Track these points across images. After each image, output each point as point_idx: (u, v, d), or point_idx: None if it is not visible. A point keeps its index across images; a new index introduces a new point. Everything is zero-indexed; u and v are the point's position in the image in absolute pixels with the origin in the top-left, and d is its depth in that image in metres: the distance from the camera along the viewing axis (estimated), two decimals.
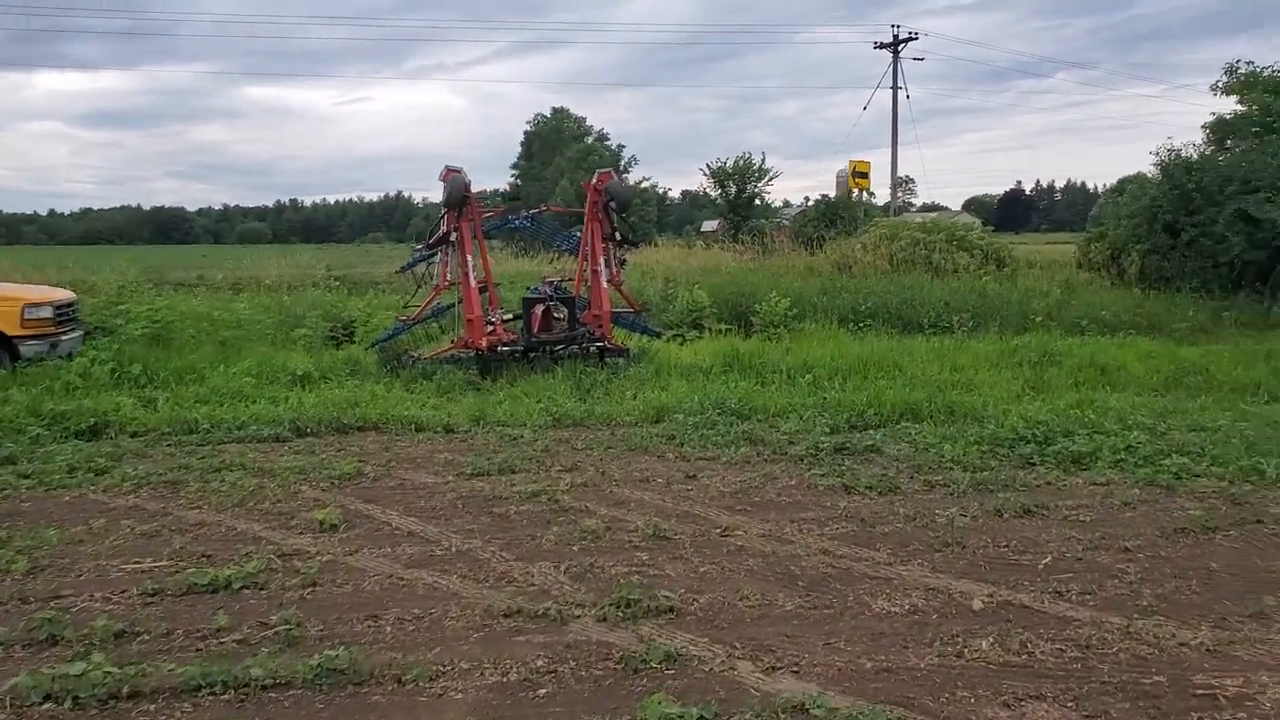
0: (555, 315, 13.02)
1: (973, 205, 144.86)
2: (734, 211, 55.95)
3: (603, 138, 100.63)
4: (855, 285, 20.44)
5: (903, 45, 46.55)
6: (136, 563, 6.07)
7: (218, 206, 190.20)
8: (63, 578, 5.83)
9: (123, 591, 5.56)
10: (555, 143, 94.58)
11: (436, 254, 12.95)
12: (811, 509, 7.21)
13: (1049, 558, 6.14)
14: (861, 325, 17.41)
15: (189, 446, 9.40)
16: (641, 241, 16.74)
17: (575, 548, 6.34)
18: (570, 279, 13.95)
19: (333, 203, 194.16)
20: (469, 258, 12.57)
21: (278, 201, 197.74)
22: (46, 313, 12.54)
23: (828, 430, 9.70)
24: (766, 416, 10.40)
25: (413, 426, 10.20)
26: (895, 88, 46.67)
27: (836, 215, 35.77)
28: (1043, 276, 23.57)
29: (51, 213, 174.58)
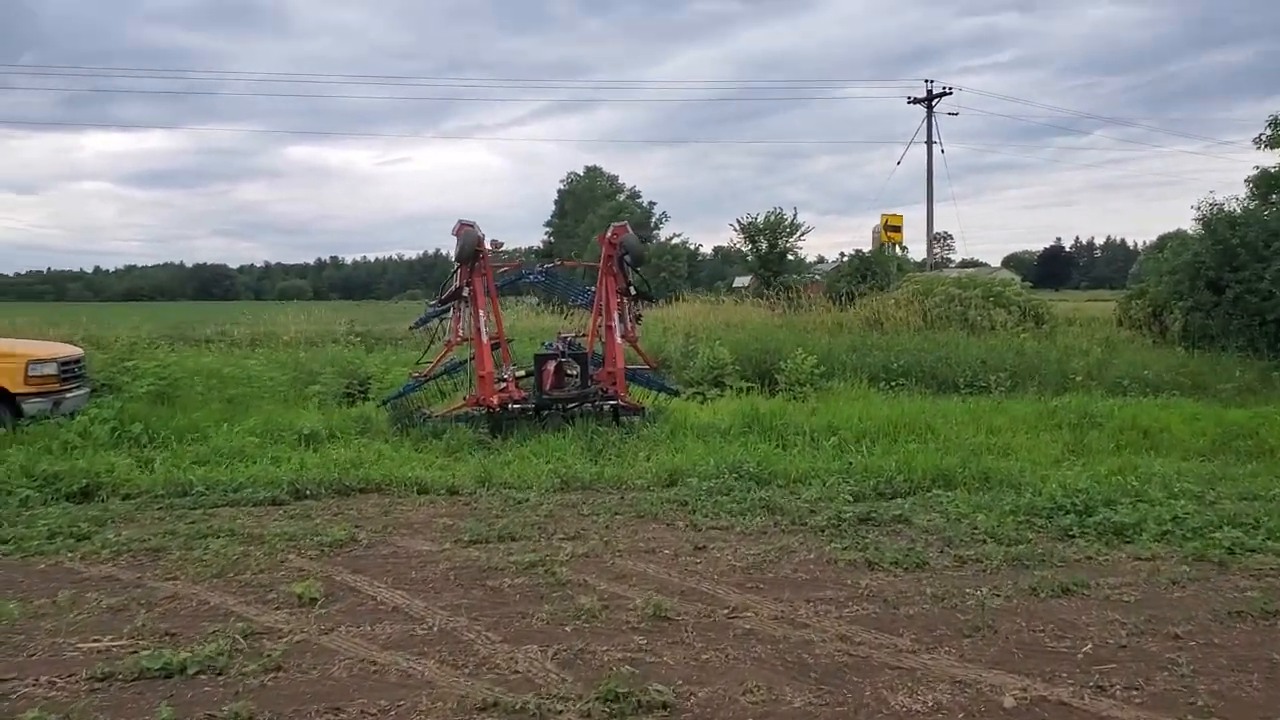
0: (568, 372, 12.59)
1: (1012, 262, 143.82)
2: (765, 267, 55.64)
3: (634, 195, 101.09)
4: (887, 342, 19.86)
5: (936, 100, 46.29)
6: (95, 641, 5.61)
7: (259, 264, 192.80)
8: (13, 657, 5.39)
9: (70, 675, 5.09)
10: (588, 200, 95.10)
11: (449, 309, 12.58)
12: (829, 587, 6.65)
13: (1089, 645, 5.55)
14: (893, 384, 16.82)
15: (180, 510, 8.99)
16: (658, 297, 16.29)
17: (568, 628, 5.82)
18: (585, 335, 13.52)
19: (373, 260, 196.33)
20: (481, 313, 12.19)
21: (318, 259, 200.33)
22: (51, 369, 12.26)
23: (852, 498, 9.12)
24: (787, 482, 9.85)
25: (416, 488, 9.75)
26: (930, 142, 46.36)
27: (870, 270, 35.29)
28: (1082, 334, 22.89)
29: (97, 270, 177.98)
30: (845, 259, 46.77)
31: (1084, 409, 13.45)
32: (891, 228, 33.24)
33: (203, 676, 5.05)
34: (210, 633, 5.67)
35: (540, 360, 12.54)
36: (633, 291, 12.93)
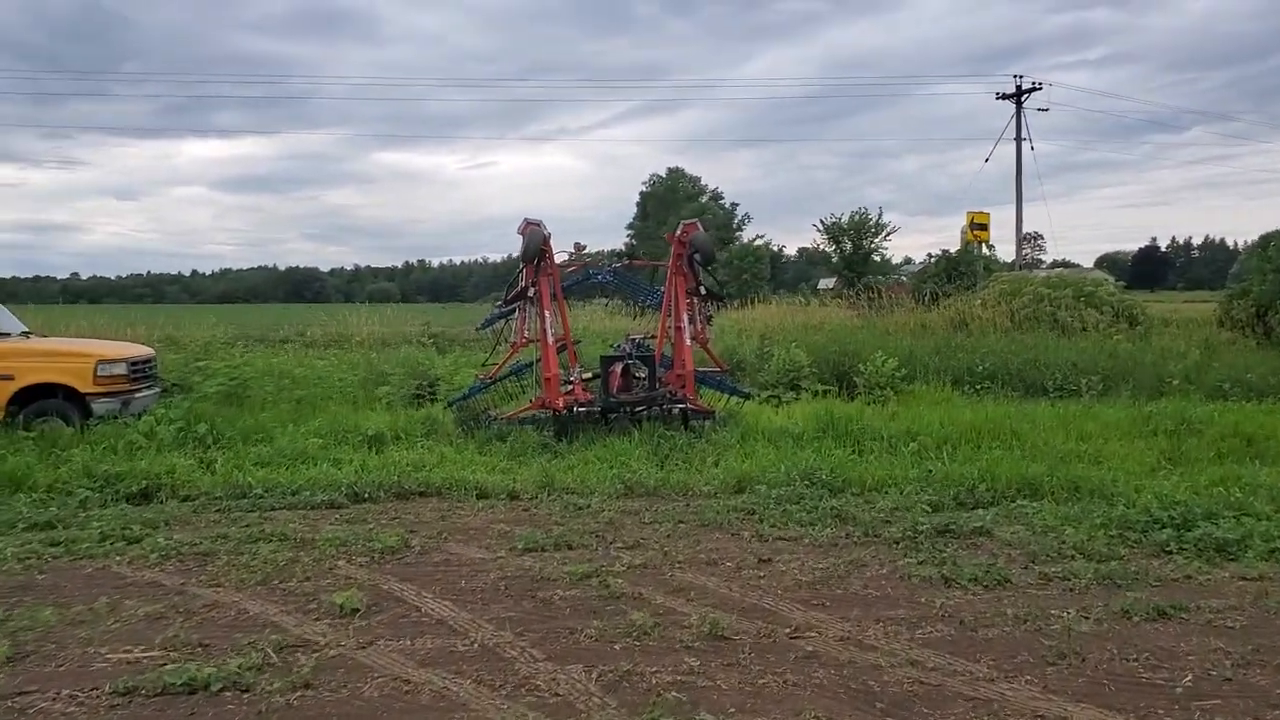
0: (635, 375, 12.23)
1: (1105, 262, 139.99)
2: (849, 268, 54.80)
3: (717, 196, 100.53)
4: (972, 344, 19.14)
5: (1026, 96, 44.93)
6: (126, 651, 5.41)
7: (349, 267, 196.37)
8: (41, 667, 5.21)
9: (94, 689, 4.88)
10: (670, 202, 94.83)
11: (515, 311, 12.32)
12: (902, 605, 6.18)
13: (1189, 676, 5.02)
14: (978, 388, 16.15)
15: (236, 513, 8.84)
16: (740, 299, 15.82)
17: (617, 646, 5.46)
18: (655, 336, 13.15)
19: (459, 263, 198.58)
20: (547, 314, 11.90)
21: (406, 262, 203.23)
22: (120, 369, 12.29)
23: (930, 508, 8.61)
24: (861, 490, 9.38)
25: (475, 492, 9.50)
26: (1019, 139, 44.96)
27: (956, 271, 34.36)
28: (1180, 336, 21.83)
29: (194, 273, 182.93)
30: (932, 259, 45.81)
31: (1181, 414, 12.66)
32: (978, 226, 32.18)
33: (227, 693, 4.80)
34: (243, 645, 5.43)
35: (607, 362, 12.21)
36: (703, 291, 12.52)
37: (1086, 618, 5.88)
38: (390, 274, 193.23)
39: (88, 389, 11.93)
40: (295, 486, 9.55)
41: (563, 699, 4.74)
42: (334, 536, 7.77)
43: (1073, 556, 7.18)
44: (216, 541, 7.71)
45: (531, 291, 11.98)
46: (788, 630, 5.72)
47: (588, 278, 13.91)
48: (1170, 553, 7.25)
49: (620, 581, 6.65)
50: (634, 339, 13.33)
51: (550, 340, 11.91)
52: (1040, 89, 45.07)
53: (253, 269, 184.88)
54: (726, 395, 13.37)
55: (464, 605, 6.24)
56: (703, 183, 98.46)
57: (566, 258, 13.08)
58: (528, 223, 11.86)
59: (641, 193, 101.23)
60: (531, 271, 11.99)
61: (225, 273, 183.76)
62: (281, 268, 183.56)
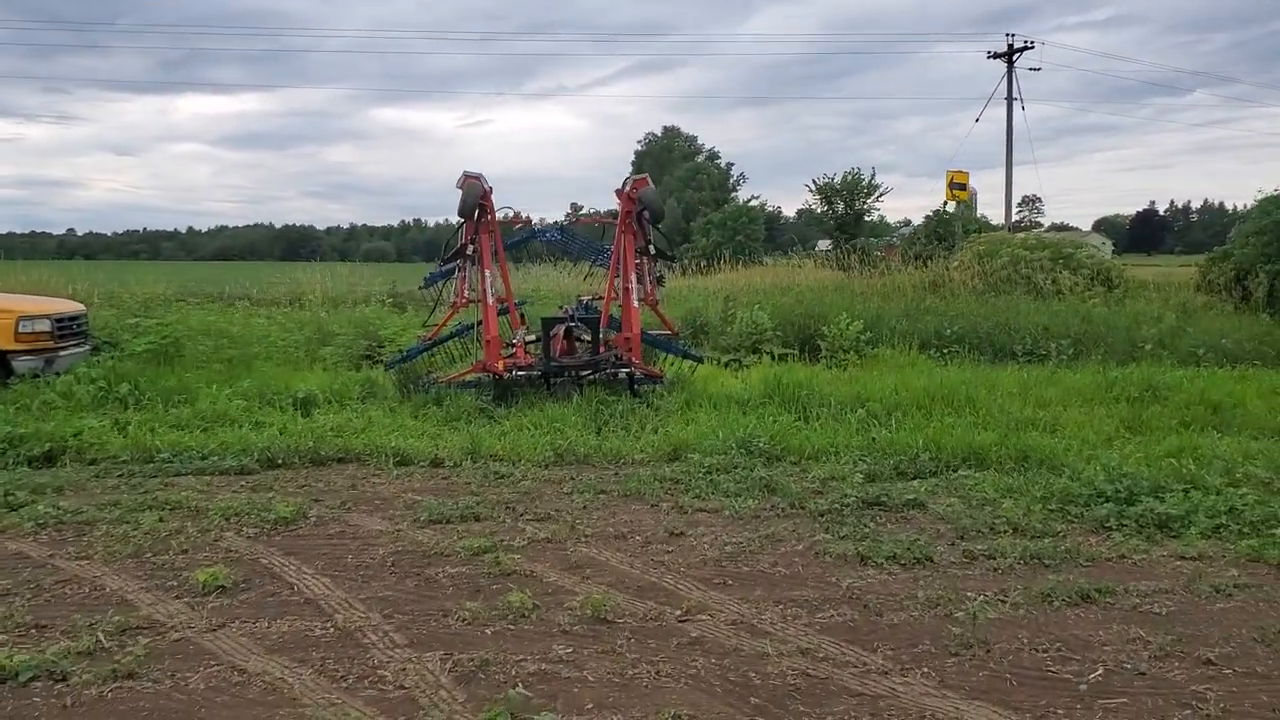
0: (579, 337, 11.76)
1: (1103, 226, 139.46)
2: (840, 229, 54.16)
3: (713, 156, 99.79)
4: (942, 307, 18.68)
5: (1017, 55, 44.16)
6: None
7: (345, 225, 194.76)
8: None
9: None
10: (665, 162, 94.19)
11: (455, 269, 11.82)
12: (809, 585, 5.77)
13: (1100, 670, 4.60)
14: (945, 352, 15.70)
15: (138, 478, 8.41)
16: (676, 258, 15.27)
17: (488, 630, 5.04)
18: (603, 297, 12.66)
19: (455, 222, 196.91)
20: (487, 273, 11.40)
21: (402, 221, 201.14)
22: (44, 325, 11.80)
23: (865, 479, 8.19)
24: (799, 459, 8.96)
25: (396, 459, 9.06)
26: (1010, 100, 44.27)
27: (943, 232, 33.78)
28: (1156, 299, 21.37)
29: (190, 230, 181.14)
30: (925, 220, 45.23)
31: (1148, 380, 12.22)
32: (957, 185, 31.52)
33: (37, 684, 4.36)
34: (81, 627, 5.00)
35: (549, 325, 11.72)
36: (652, 251, 11.99)
37: (1003, 601, 5.46)
38: (386, 233, 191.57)
39: (8, 345, 11.46)
40: (206, 451, 9.11)
41: (407, 692, 4.32)
42: (228, 506, 7.34)
43: (1004, 532, 6.77)
44: (104, 509, 7.28)
45: (470, 249, 11.47)
46: (678, 613, 5.30)
47: (532, 235, 13.37)
48: (1109, 529, 6.84)
49: (516, 557, 6.23)
50: (584, 300, 12.85)
51: (490, 301, 11.42)
52: (1032, 48, 44.34)
53: (249, 226, 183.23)
54: (681, 359, 12.89)
55: (342, 583, 5.82)
56: (699, 142, 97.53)
57: (510, 214, 12.52)
58: (466, 176, 11.34)
59: (637, 152, 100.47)
60: (471, 228, 11.48)
61: (222, 230, 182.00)
62: (278, 225, 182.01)
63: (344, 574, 5.99)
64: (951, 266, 23.40)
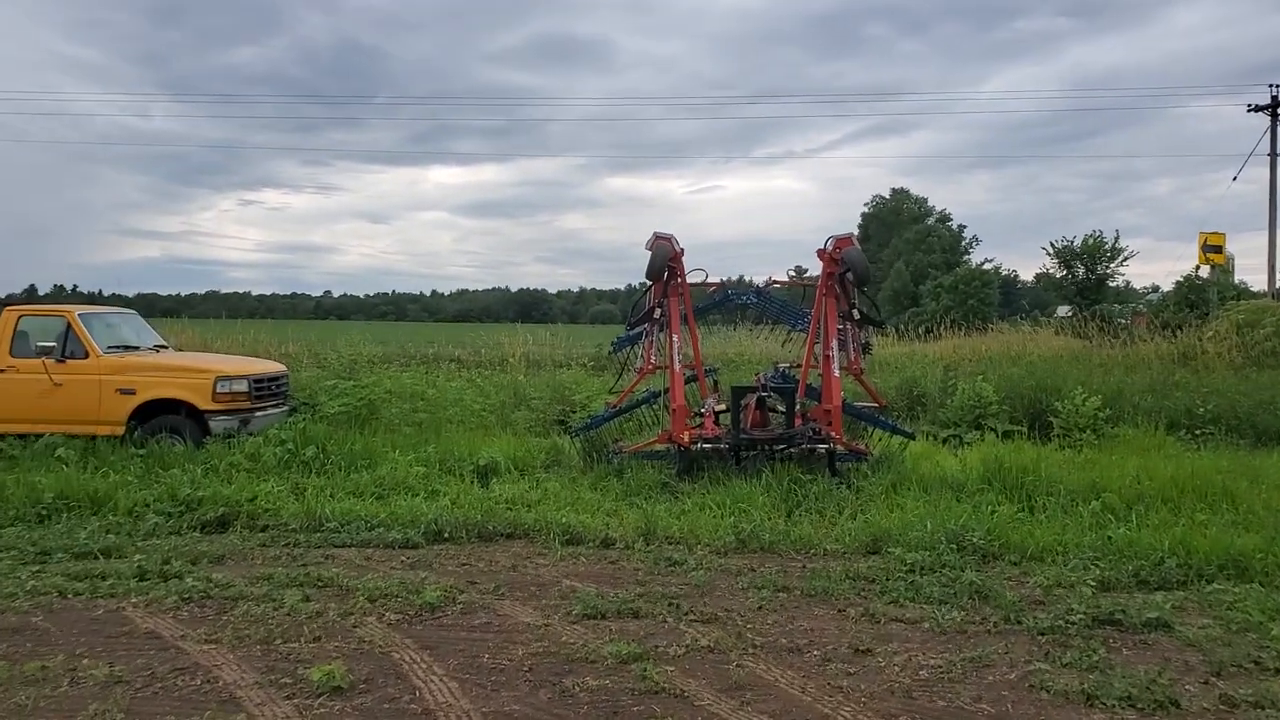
0: (774, 408, 10.84)
1: None
2: (1081, 295, 50.87)
3: (945, 218, 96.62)
4: (1195, 382, 16.62)
5: None
6: None
7: (575, 289, 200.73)
8: None
9: None
10: (893, 224, 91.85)
11: (642, 333, 11.19)
12: None
13: None
14: (1197, 433, 13.83)
15: (300, 549, 8.12)
16: (884, 324, 14.10)
17: None
18: (800, 365, 11.69)
19: (644, 285, 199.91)
20: (675, 337, 10.70)
21: (627, 285, 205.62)
22: (241, 386, 11.92)
23: (1095, 588, 6.90)
24: (1019, 559, 7.73)
25: (565, 537, 8.42)
26: (1274, 155, 40.36)
27: (1202, 298, 30.82)
28: None
29: (434, 293, 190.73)
30: (1175, 286, 41.74)
31: None
32: (1211, 248, 28.66)
33: None
34: None
35: (739, 393, 10.86)
36: (856, 315, 10.98)
37: None
38: (613, 296, 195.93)
39: (206, 406, 11.61)
40: (375, 521, 8.76)
41: None
42: (376, 586, 6.84)
43: (1277, 670, 5.40)
44: (253, 584, 6.93)
45: (658, 313, 10.82)
46: None
47: (726, 298, 12.59)
48: None
49: (669, 670, 5.38)
50: (780, 368, 11.95)
51: (678, 367, 10.70)
52: None
53: (487, 290, 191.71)
54: (887, 434, 11.74)
55: (469, 690, 5.13)
56: (930, 204, 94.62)
57: (703, 277, 11.82)
58: (656, 236, 10.72)
59: (864, 214, 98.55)
60: (659, 290, 10.84)
61: (463, 293, 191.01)
62: (514, 289, 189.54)
63: (474, 678, 5.31)
64: (1205, 337, 21.05)
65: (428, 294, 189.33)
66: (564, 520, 8.73)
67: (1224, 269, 31.78)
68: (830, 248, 10.92)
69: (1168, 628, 6.11)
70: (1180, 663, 5.56)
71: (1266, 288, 41.65)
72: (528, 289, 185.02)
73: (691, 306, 11.44)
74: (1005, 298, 73.01)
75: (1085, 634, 6.00)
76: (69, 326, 12.07)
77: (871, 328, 11.58)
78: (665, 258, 10.61)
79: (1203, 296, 28.26)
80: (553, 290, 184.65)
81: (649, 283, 10.93)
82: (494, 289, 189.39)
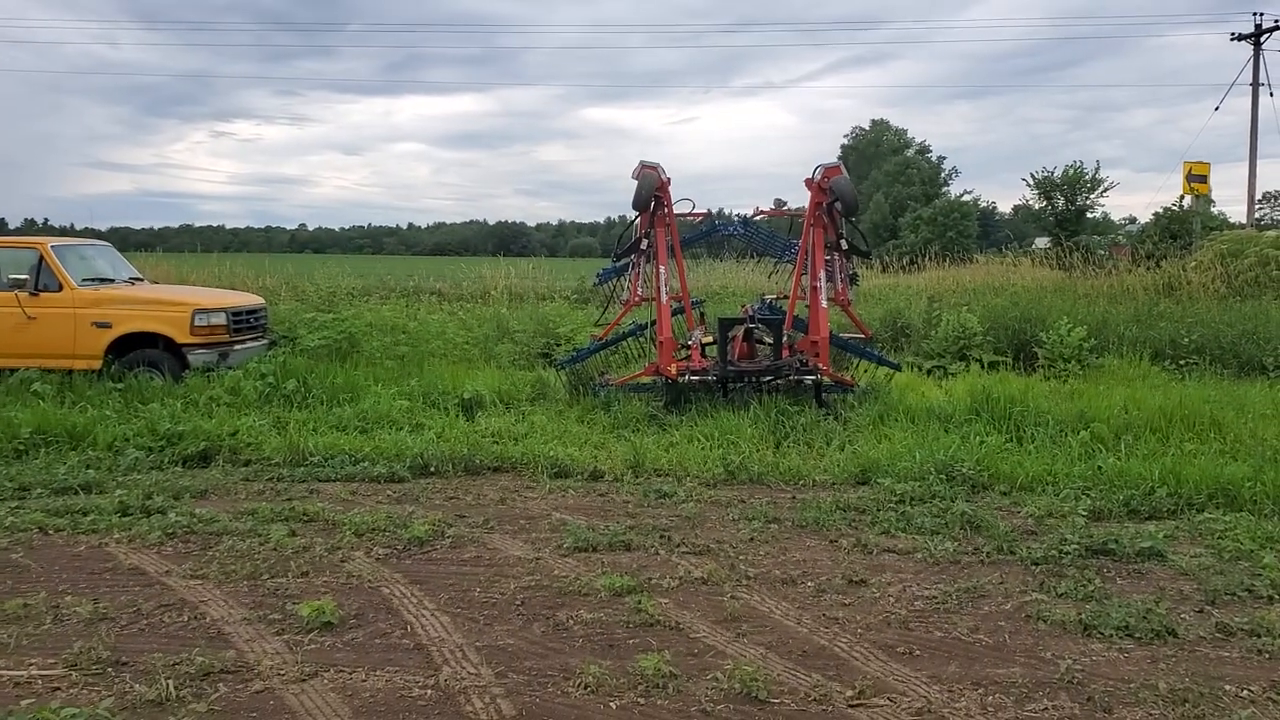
0: (761, 340, 10.76)
1: None
2: (1061, 226, 50.83)
3: (924, 150, 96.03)
4: (1179, 312, 16.61)
5: (1265, 36, 40.01)
6: (25, 667, 4.48)
7: (554, 222, 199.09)
8: None
9: None
10: (873, 156, 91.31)
11: (629, 265, 11.04)
12: (1018, 662, 4.62)
13: None
14: (1182, 363, 13.85)
15: (285, 483, 8.03)
16: (872, 254, 13.87)
17: (613, 704, 4.16)
18: (787, 297, 11.58)
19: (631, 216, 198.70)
20: (662, 269, 10.56)
21: (608, 218, 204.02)
22: (219, 319, 11.71)
23: (1089, 517, 6.90)
24: (1009, 489, 7.72)
25: (553, 470, 8.35)
26: (1255, 85, 40.12)
27: (1183, 229, 30.74)
28: None
29: (410, 226, 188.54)
30: (1155, 217, 41.73)
31: None
32: (1195, 178, 28.48)
33: None
34: (157, 667, 4.41)
35: (726, 325, 10.76)
36: (844, 246, 10.84)
37: (1274, 700, 4.19)
38: (593, 229, 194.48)
39: (184, 339, 11.40)
40: (359, 455, 8.67)
41: None
42: (363, 521, 6.76)
43: (1268, 598, 5.41)
44: (238, 519, 6.84)
45: (645, 243, 10.66)
46: (849, 694, 4.27)
47: (713, 229, 12.44)
48: None
49: (663, 602, 5.34)
50: (767, 300, 11.84)
51: (665, 299, 10.57)
52: None
53: (465, 223, 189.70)
54: (872, 365, 11.69)
55: (461, 624, 5.07)
56: (909, 136, 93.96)
57: (689, 208, 11.64)
58: (643, 165, 10.52)
59: (843, 146, 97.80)
60: (646, 221, 10.67)
61: (440, 226, 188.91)
62: (491, 222, 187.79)
63: (466, 612, 5.25)
64: (1189, 267, 21.04)
65: (404, 227, 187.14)
66: (551, 453, 8.66)
67: (1207, 199, 31.71)
68: (819, 177, 10.77)
69: (1161, 557, 6.11)
70: (1175, 591, 5.55)
71: (1245, 219, 41.78)
72: (505, 222, 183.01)
73: (679, 237, 11.26)
74: (984, 230, 72.77)
75: (1079, 564, 5.99)
76: (42, 259, 11.79)
77: (858, 258, 11.45)
78: (652, 187, 10.42)
79: (1185, 227, 28.22)
80: (531, 223, 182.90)
81: (635, 213, 10.74)
82: (471, 222, 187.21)
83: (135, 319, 11.50)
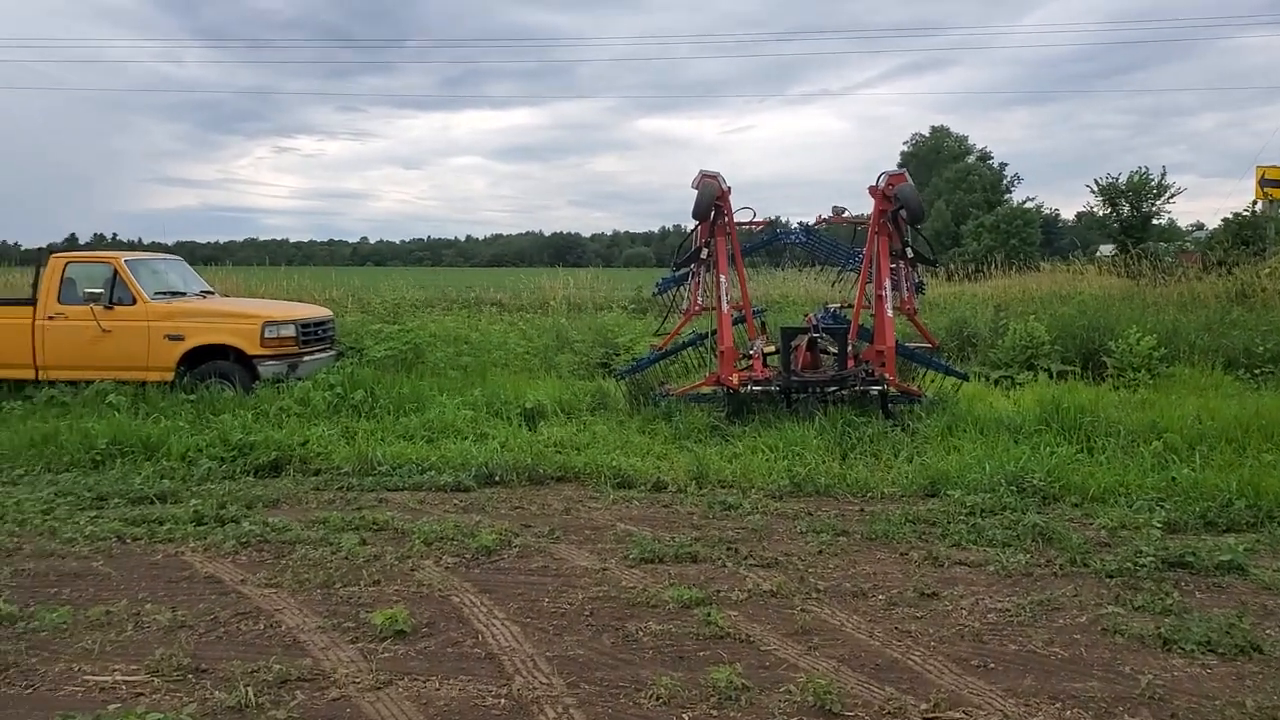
0: (826, 350, 10.68)
1: None
2: (1126, 233, 49.95)
3: (985, 156, 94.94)
4: (1253, 320, 16.21)
5: None
6: (109, 673, 4.58)
7: (608, 232, 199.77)
8: (4, 688, 4.45)
9: None
10: (933, 163, 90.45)
11: (689, 274, 11.02)
12: (1096, 677, 4.53)
13: None
14: (1258, 373, 13.51)
15: (354, 492, 8.14)
16: (938, 262, 13.67)
17: (685, 715, 4.15)
18: (851, 305, 11.48)
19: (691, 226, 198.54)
20: (723, 278, 10.53)
21: (662, 227, 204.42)
22: (289, 331, 11.90)
23: (1164, 529, 6.75)
24: (1081, 501, 7.58)
25: (616, 480, 8.35)
26: None
27: (1255, 235, 30.01)
28: None
29: (468, 238, 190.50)
30: (1225, 223, 40.78)
31: None
32: (1270, 182, 27.79)
33: None
34: (237, 674, 4.48)
35: (789, 335, 10.68)
36: (910, 254, 10.72)
37: None
38: (647, 239, 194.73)
39: (254, 351, 11.61)
40: (426, 464, 8.76)
41: None
42: (432, 530, 6.81)
43: None
44: (310, 528, 6.94)
45: (705, 253, 10.65)
46: (924, 706, 4.22)
47: (774, 238, 12.37)
48: None
49: (733, 615, 5.31)
50: (830, 309, 11.75)
51: (725, 308, 10.54)
52: None
53: (521, 234, 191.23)
54: (939, 375, 11.54)
55: (531, 634, 5.09)
56: (970, 142, 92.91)
57: (750, 216, 11.59)
58: (703, 175, 10.51)
59: (902, 153, 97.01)
60: (706, 230, 10.65)
61: (496, 238, 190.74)
62: (547, 233, 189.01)
63: (535, 622, 5.26)
64: (1263, 274, 20.52)
65: (462, 239, 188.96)
66: (614, 463, 8.67)
67: None
68: (883, 184, 10.67)
69: (1241, 570, 5.96)
70: (1258, 606, 5.41)
71: None
72: (561, 233, 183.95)
73: (739, 246, 11.22)
74: (1047, 237, 71.69)
75: (1156, 577, 5.86)
76: (116, 273, 12.07)
77: (924, 267, 11.33)
78: (712, 196, 10.40)
79: (1259, 233, 27.52)
80: (586, 234, 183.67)
81: (695, 222, 10.73)
82: (527, 233, 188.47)
83: (207, 331, 11.74)
